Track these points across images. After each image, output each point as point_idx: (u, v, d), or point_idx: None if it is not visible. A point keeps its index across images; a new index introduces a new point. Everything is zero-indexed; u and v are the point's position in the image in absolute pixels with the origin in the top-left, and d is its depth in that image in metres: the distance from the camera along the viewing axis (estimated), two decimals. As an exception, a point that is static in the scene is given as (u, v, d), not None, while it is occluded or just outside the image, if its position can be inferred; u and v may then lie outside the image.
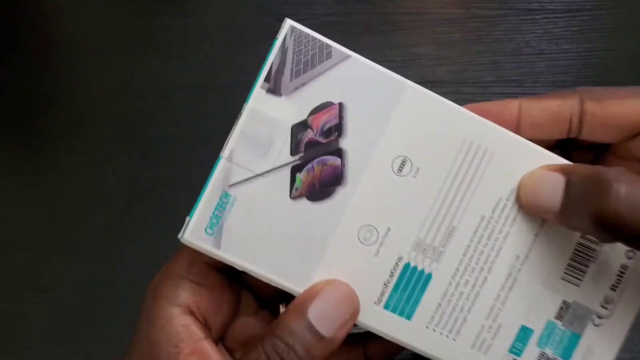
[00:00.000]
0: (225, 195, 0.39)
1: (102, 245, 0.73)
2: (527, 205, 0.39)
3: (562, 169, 0.38)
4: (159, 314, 0.40)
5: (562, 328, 0.40)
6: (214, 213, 0.39)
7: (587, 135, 0.41)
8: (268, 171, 0.39)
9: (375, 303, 0.40)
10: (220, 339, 0.43)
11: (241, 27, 0.77)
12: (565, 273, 0.40)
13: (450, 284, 0.40)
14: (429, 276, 0.40)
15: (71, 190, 0.75)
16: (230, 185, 0.39)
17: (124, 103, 0.78)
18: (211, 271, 0.42)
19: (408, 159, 0.39)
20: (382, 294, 0.39)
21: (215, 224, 0.39)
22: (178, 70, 0.78)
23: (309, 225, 0.39)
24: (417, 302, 0.40)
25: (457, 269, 0.40)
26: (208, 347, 0.40)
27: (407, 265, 0.40)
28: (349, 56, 0.39)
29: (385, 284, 0.39)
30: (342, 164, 0.39)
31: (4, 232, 0.74)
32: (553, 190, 0.37)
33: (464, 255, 0.40)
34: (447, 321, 0.40)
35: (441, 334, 0.40)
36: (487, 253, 0.40)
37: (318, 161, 0.39)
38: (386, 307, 0.40)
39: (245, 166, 0.39)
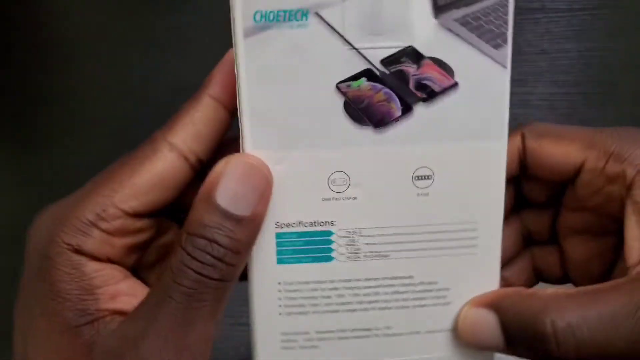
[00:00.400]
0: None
1: None
2: (472, 347, 0.39)
3: (491, 305, 0.37)
4: (61, 261, 0.35)
5: None
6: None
7: (533, 172, 0.41)
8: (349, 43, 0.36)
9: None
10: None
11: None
12: None
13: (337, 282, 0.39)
14: (331, 258, 0.38)
15: (71, 190, 0.72)
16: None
17: (124, 103, 0.77)
18: (127, 218, 0.37)
19: (433, 176, 0.38)
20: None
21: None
22: (178, 70, 0.77)
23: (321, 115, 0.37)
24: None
25: (357, 279, 0.39)
26: (131, 286, 0.37)
27: (329, 232, 0.38)
28: (504, 68, 0.37)
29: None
30: (396, 120, 0.37)
31: (3, 232, 0.73)
32: (491, 332, 0.37)
33: (373, 279, 0.39)
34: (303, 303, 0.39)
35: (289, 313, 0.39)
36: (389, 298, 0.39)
37: (388, 92, 0.37)
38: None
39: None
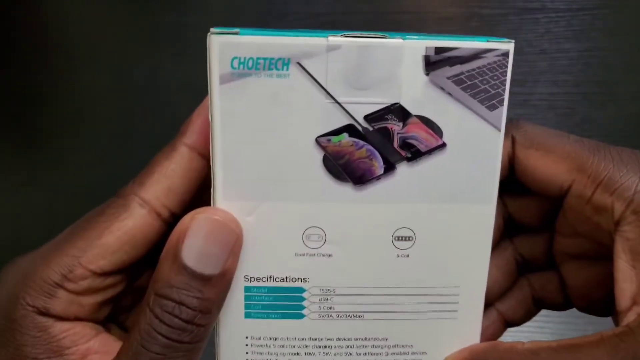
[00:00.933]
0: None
1: None
2: None
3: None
4: (27, 325, 0.33)
5: None
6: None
7: (520, 178, 0.38)
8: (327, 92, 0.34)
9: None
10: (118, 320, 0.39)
11: (241, 26, 0.74)
12: None
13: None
14: (302, 315, 0.36)
15: (70, 190, 0.74)
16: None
17: (123, 103, 0.77)
18: (95, 278, 0.35)
19: (414, 238, 0.36)
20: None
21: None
22: (177, 69, 0.76)
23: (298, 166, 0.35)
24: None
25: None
26: (104, 343, 0.35)
27: (301, 289, 0.36)
28: (498, 130, 0.35)
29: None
30: (377, 178, 0.35)
31: (2, 232, 0.74)
32: None
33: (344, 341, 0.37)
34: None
35: None
36: None
37: (370, 150, 0.35)
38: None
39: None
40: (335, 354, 0.37)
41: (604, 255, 0.37)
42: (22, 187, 0.75)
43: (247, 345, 0.37)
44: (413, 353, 0.37)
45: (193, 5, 0.78)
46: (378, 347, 0.37)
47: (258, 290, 0.36)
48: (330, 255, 0.36)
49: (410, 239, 0.36)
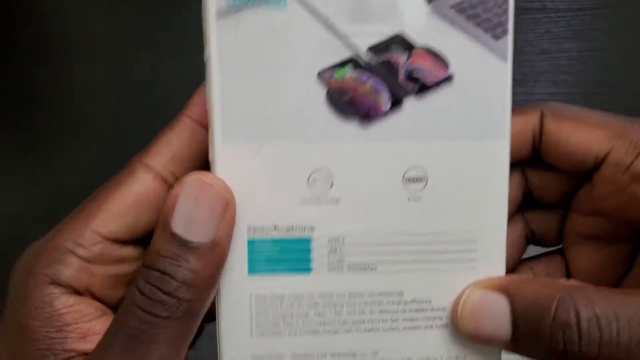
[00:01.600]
0: None
1: None
2: (470, 337, 0.34)
3: (503, 288, 0.32)
4: (34, 294, 0.32)
5: None
6: None
7: (545, 156, 0.36)
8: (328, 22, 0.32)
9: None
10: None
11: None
12: None
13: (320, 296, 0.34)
14: (310, 269, 0.34)
15: (70, 190, 0.71)
16: None
17: (123, 102, 0.76)
18: (107, 244, 0.33)
19: (425, 178, 0.33)
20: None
21: None
22: (177, 69, 0.75)
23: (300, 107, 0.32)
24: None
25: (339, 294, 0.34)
26: (104, 326, 0.33)
27: (308, 239, 0.33)
28: (505, 61, 0.33)
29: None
30: (384, 114, 0.33)
31: (2, 232, 0.72)
32: (498, 318, 0.32)
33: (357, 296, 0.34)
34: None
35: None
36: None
37: (375, 84, 0.33)
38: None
39: None
40: (348, 313, 0.34)
41: (621, 237, 0.36)
42: (22, 187, 0.74)
43: (251, 306, 0.34)
44: (432, 309, 0.34)
45: (193, 5, 0.77)
46: (393, 303, 0.34)
47: (262, 242, 0.33)
48: (337, 201, 0.33)
49: (422, 180, 0.33)
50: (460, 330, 0.34)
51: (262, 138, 0.32)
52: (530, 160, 0.37)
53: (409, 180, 0.33)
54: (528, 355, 0.32)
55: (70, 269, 0.32)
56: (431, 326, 0.34)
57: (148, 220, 0.34)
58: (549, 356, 0.31)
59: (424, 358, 0.34)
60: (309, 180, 0.33)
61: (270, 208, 0.33)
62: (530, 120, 0.35)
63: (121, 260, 0.34)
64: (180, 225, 0.30)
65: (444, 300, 0.34)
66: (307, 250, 0.33)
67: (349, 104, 0.32)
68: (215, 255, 0.31)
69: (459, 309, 0.33)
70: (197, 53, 0.75)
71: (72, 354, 0.32)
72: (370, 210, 0.33)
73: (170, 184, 0.34)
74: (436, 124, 0.33)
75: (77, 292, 0.33)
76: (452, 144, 0.33)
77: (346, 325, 0.34)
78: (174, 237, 0.30)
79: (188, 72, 0.74)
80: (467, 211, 0.34)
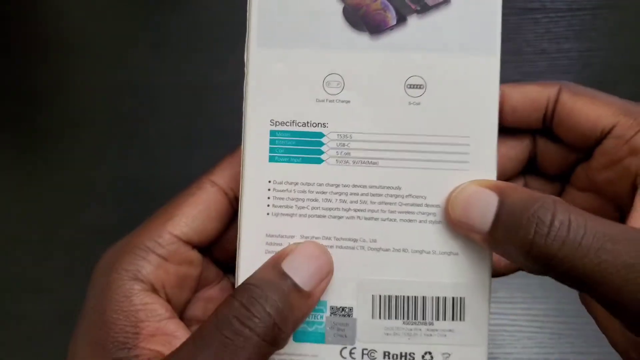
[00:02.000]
0: None
1: (101, 245, 0.69)
2: (455, 222, 0.37)
3: (496, 187, 0.35)
4: (116, 289, 0.35)
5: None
6: None
7: (556, 126, 0.40)
8: None
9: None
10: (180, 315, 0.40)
11: (240, 25, 0.74)
12: None
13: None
14: (321, 160, 0.38)
15: (70, 190, 0.73)
16: None
17: (122, 102, 0.76)
18: (180, 244, 0.38)
19: (425, 86, 0.38)
20: None
21: None
22: (177, 69, 0.77)
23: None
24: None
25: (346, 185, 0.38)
26: (173, 327, 0.36)
27: (321, 134, 0.38)
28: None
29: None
30: (390, 28, 0.38)
31: (2, 232, 0.72)
32: (485, 210, 0.35)
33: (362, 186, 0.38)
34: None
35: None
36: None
37: (384, 2, 0.38)
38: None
39: None
40: (351, 201, 0.38)
41: (607, 216, 0.38)
42: (20, 187, 0.73)
43: (269, 189, 0.38)
44: (427, 205, 0.38)
45: (193, 5, 0.80)
46: (392, 196, 0.38)
47: (282, 134, 0.38)
48: (348, 102, 0.38)
49: (421, 87, 0.38)
50: (447, 216, 0.37)
51: (288, 44, 0.38)
52: (541, 130, 0.41)
53: (410, 86, 0.38)
54: (498, 249, 0.35)
55: (150, 265, 0.36)
56: (425, 221, 0.38)
57: (213, 227, 0.39)
58: (515, 247, 0.33)
59: (418, 250, 0.38)
60: (324, 82, 0.38)
61: (290, 105, 0.38)
62: (548, 91, 0.39)
63: (189, 261, 0.39)
64: (290, 268, 0.35)
65: (438, 198, 0.38)
66: (320, 144, 0.38)
67: (362, 18, 0.38)
68: (307, 304, 0.35)
69: (452, 196, 0.37)
70: (197, 54, 0.76)
71: (144, 350, 0.34)
72: (375, 112, 0.38)
73: (230, 198, 0.40)
74: (435, 38, 0.37)
75: (153, 288, 0.37)
76: (449, 56, 0.38)
77: (349, 213, 0.38)
78: (282, 273, 0.34)
79: (188, 72, 0.77)
80: (461, 117, 0.38)
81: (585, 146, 0.39)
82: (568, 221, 0.31)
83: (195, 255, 0.39)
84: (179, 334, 0.36)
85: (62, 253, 0.70)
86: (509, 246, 0.33)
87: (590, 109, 0.38)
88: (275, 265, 0.35)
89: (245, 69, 0.38)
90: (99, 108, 0.76)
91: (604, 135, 0.37)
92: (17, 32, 0.79)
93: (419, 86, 0.38)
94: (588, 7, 0.79)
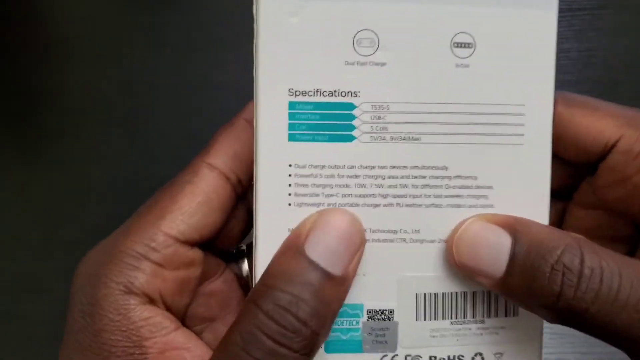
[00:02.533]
0: None
1: None
2: (461, 266, 0.32)
3: (507, 224, 0.31)
4: (108, 306, 0.30)
5: None
6: None
7: (555, 147, 0.34)
8: None
9: None
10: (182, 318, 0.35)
11: (240, 25, 0.73)
12: None
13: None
14: (352, 137, 0.32)
15: (69, 190, 0.72)
16: None
17: (122, 102, 0.75)
18: (178, 246, 0.32)
19: (474, 44, 0.32)
20: None
21: None
22: (177, 69, 0.75)
23: None
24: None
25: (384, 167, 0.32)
26: (183, 339, 0.31)
27: (351, 105, 0.32)
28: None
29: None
30: None
31: (1, 231, 0.71)
32: (496, 252, 0.30)
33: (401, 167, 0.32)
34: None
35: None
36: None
37: None
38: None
39: None
40: (389, 186, 0.32)
41: (618, 235, 0.35)
42: (20, 187, 0.73)
43: (290, 175, 0.32)
44: (477, 187, 0.32)
45: (192, 4, 0.78)
46: (437, 177, 0.32)
47: (303, 107, 0.31)
48: (383, 64, 0.31)
49: (470, 45, 0.31)
50: (452, 258, 0.32)
51: None
52: None
53: (457, 45, 0.31)
54: (512, 298, 0.31)
55: (144, 275, 0.31)
56: (476, 205, 0.32)
57: (215, 219, 0.33)
58: (538, 299, 0.29)
59: None
60: (354, 41, 0.31)
61: (312, 70, 0.31)
62: None
63: (189, 263, 0.33)
64: (315, 252, 0.29)
65: (491, 178, 0.32)
66: (350, 117, 0.32)
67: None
68: (342, 291, 0.30)
69: (456, 236, 0.32)
70: (199, 53, 0.75)
71: None
72: (416, 75, 0.31)
73: (233, 182, 0.33)
74: None
75: (150, 299, 0.31)
76: (502, 10, 0.31)
77: (387, 200, 0.32)
78: (310, 262, 0.29)
79: (188, 72, 0.76)
80: (514, 82, 0.32)
81: (588, 162, 0.34)
82: (600, 268, 0.28)
83: (195, 254, 0.33)
84: (191, 345, 0.31)
85: (62, 253, 0.68)
86: (527, 297, 0.29)
87: (590, 121, 0.33)
88: (297, 250, 0.29)
89: (255, 25, 0.31)
90: (99, 108, 0.75)
91: (608, 149, 0.33)
92: (17, 32, 0.78)
93: (467, 45, 0.31)
94: (588, 7, 0.78)
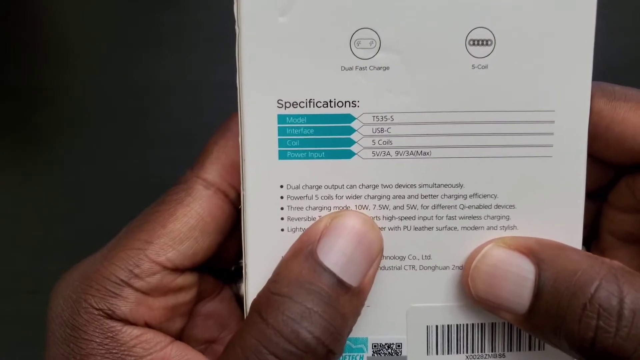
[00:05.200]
0: None
1: (101, 245, 0.65)
2: (479, 300, 0.27)
3: (530, 251, 0.26)
4: (92, 331, 0.26)
5: None
6: None
7: (591, 141, 0.28)
8: None
9: None
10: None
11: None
12: None
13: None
14: (351, 154, 0.26)
15: (69, 190, 0.70)
16: None
17: (122, 101, 0.72)
18: (166, 273, 0.28)
19: (493, 41, 0.26)
20: None
21: None
22: (176, 68, 0.72)
23: None
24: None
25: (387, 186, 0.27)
26: (181, 352, 0.27)
27: (350, 117, 0.26)
28: None
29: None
30: None
31: (1, 232, 0.68)
32: (518, 285, 0.25)
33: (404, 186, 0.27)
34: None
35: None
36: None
37: None
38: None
39: None
40: (395, 207, 0.27)
41: None
42: (20, 187, 0.70)
43: (282, 197, 0.26)
44: (497, 206, 0.27)
45: (192, 3, 0.75)
46: (451, 196, 0.27)
47: (295, 120, 0.26)
48: (386, 68, 0.26)
49: (489, 42, 0.26)
50: (468, 291, 0.27)
51: None
52: None
53: (474, 42, 0.26)
54: (538, 336, 0.26)
55: (127, 303, 0.26)
56: (496, 227, 0.27)
57: (210, 243, 0.28)
58: (567, 342, 0.24)
59: None
60: (352, 42, 0.25)
61: (304, 78, 0.26)
62: None
63: (179, 289, 0.28)
64: (329, 258, 0.24)
65: (513, 196, 0.27)
66: (349, 130, 0.26)
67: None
68: (358, 303, 0.25)
69: (472, 265, 0.27)
70: (199, 52, 0.70)
71: None
72: (425, 81, 0.26)
73: (232, 198, 0.28)
74: None
75: (135, 325, 0.27)
76: None
77: (393, 222, 0.27)
78: (324, 269, 0.24)
79: (189, 72, 0.72)
80: (542, 82, 0.26)
81: (632, 163, 0.28)
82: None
83: (186, 279, 0.29)
84: (190, 357, 0.27)
85: (62, 253, 0.63)
86: (556, 338, 0.24)
87: (638, 117, 0.27)
88: (309, 254, 0.25)
89: (236, 27, 0.26)
90: (99, 108, 0.71)
91: None
92: (16, 32, 0.74)
93: (485, 42, 0.25)
94: (589, 6, 0.74)
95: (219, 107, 0.56)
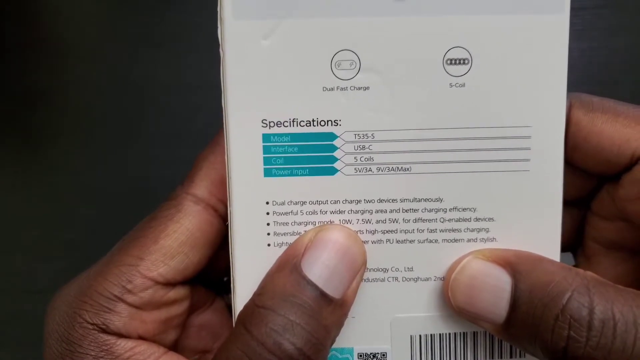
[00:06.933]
0: None
1: (100, 245, 0.64)
2: (458, 310, 0.27)
3: (507, 263, 0.25)
4: (87, 345, 0.26)
5: None
6: None
7: (571, 152, 0.28)
8: None
9: None
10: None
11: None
12: None
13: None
14: (334, 170, 0.27)
15: (69, 190, 0.69)
16: None
17: (121, 102, 0.71)
18: (158, 288, 0.28)
19: (470, 60, 0.26)
20: None
21: None
22: (176, 68, 0.71)
23: None
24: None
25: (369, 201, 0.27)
26: None
27: (332, 135, 0.26)
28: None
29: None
30: None
31: (1, 232, 0.68)
32: (495, 296, 0.25)
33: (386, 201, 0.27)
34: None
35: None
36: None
37: None
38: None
39: None
40: (377, 221, 0.27)
41: None
42: (19, 187, 0.70)
43: (268, 213, 0.27)
44: (477, 219, 0.27)
45: (191, 3, 0.74)
46: (431, 210, 0.27)
47: (279, 139, 0.26)
48: (366, 88, 0.26)
49: (466, 61, 0.26)
50: (449, 302, 0.27)
51: (278, 12, 0.25)
52: None
53: (451, 61, 0.26)
54: (516, 345, 0.27)
55: (120, 318, 0.27)
56: (475, 239, 0.27)
57: (200, 257, 0.28)
58: (542, 352, 0.24)
59: None
60: (333, 63, 0.26)
61: (287, 98, 0.26)
62: None
63: (172, 302, 0.29)
64: (313, 271, 0.25)
65: (492, 209, 0.27)
66: (331, 148, 0.26)
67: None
68: (342, 312, 0.26)
69: (451, 277, 0.27)
70: (198, 52, 0.69)
71: None
72: (404, 100, 0.26)
73: (221, 213, 0.28)
74: None
75: (129, 338, 0.27)
76: (502, 18, 0.25)
77: (376, 236, 0.27)
78: (308, 282, 0.24)
79: (188, 72, 0.71)
80: (518, 99, 0.26)
81: (610, 173, 0.28)
82: (612, 319, 0.23)
83: (178, 292, 0.29)
84: None
85: (62, 253, 0.65)
86: (532, 347, 0.24)
87: (614, 129, 0.27)
88: (294, 267, 0.25)
89: (221, 50, 0.26)
90: (98, 108, 0.71)
91: (635, 161, 0.27)
92: (15, 32, 0.74)
93: (462, 61, 0.25)
94: (589, 6, 0.72)
95: (219, 107, 0.54)
